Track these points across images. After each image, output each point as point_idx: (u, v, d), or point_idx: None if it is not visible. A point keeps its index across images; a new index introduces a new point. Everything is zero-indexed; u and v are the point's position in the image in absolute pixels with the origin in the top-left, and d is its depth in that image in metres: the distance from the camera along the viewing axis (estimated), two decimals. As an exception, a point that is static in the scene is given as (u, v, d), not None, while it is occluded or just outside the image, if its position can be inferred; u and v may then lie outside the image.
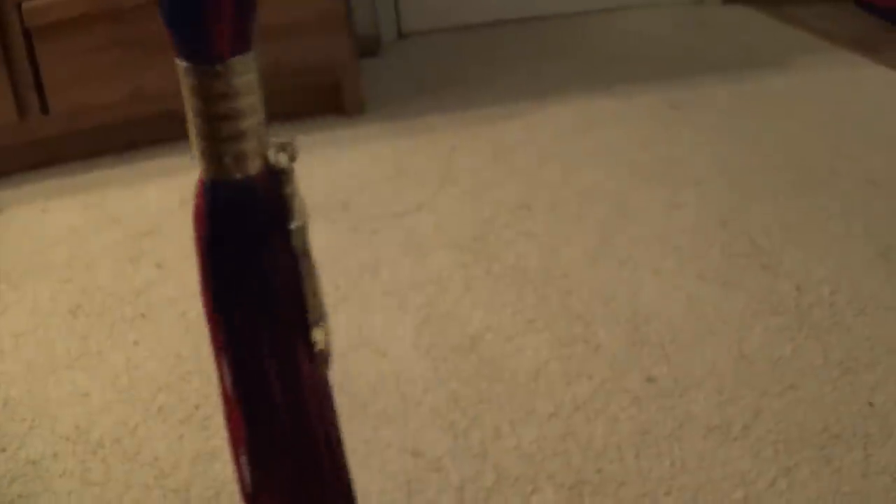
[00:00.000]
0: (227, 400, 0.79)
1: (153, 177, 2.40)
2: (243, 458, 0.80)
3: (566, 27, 3.51)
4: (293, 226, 0.77)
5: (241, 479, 0.81)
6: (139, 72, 2.43)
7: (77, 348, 1.76)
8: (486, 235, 2.01)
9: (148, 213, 2.22)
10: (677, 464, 1.42)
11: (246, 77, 0.74)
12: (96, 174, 2.44)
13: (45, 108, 2.44)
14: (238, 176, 0.75)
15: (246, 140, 0.75)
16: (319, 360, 0.81)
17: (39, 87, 2.41)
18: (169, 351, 1.73)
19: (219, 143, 0.74)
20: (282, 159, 0.76)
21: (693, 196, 2.08)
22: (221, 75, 0.73)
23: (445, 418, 1.53)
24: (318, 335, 0.80)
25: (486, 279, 1.87)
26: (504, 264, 1.90)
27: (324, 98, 2.63)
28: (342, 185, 2.25)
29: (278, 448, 0.80)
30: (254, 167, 0.75)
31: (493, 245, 1.97)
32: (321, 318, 0.81)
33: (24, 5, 2.33)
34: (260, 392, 0.78)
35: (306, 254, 0.78)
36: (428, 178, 2.26)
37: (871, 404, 1.49)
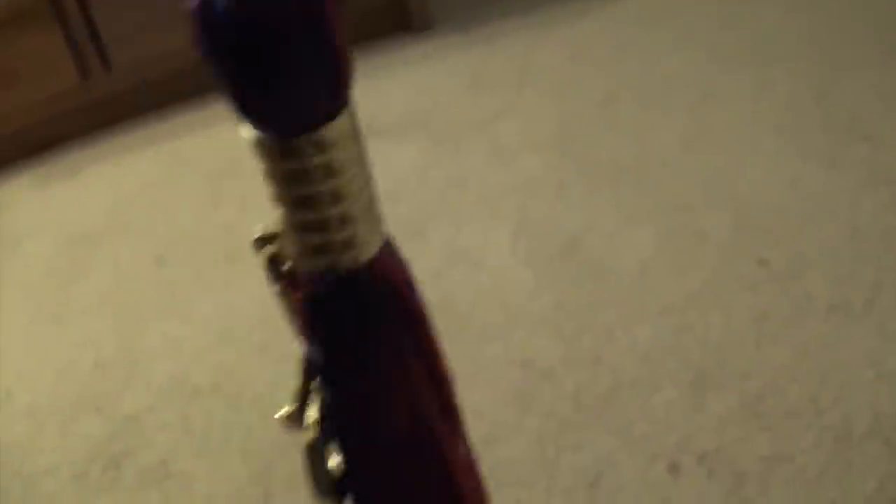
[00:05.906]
0: None
1: (225, 118, 2.35)
2: None
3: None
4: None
5: None
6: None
7: (165, 298, 1.73)
8: (573, 133, 1.93)
9: (224, 155, 2.17)
10: (800, 349, 1.36)
11: (345, 143, 0.56)
12: (167, 123, 2.40)
13: (107, 66, 2.40)
14: (347, 267, 0.58)
15: (355, 224, 0.57)
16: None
17: (98, 44, 2.37)
18: (260, 288, 1.67)
19: (318, 233, 0.57)
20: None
21: (783, 74, 1.99)
22: (315, 147, 0.55)
23: (552, 325, 1.47)
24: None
25: (579, 178, 1.79)
26: (595, 161, 1.82)
27: (390, 18, 2.55)
28: (419, 102, 2.17)
29: None
30: (366, 253, 0.58)
31: (581, 143, 1.90)
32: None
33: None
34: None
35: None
36: (506, 83, 2.18)
37: None
